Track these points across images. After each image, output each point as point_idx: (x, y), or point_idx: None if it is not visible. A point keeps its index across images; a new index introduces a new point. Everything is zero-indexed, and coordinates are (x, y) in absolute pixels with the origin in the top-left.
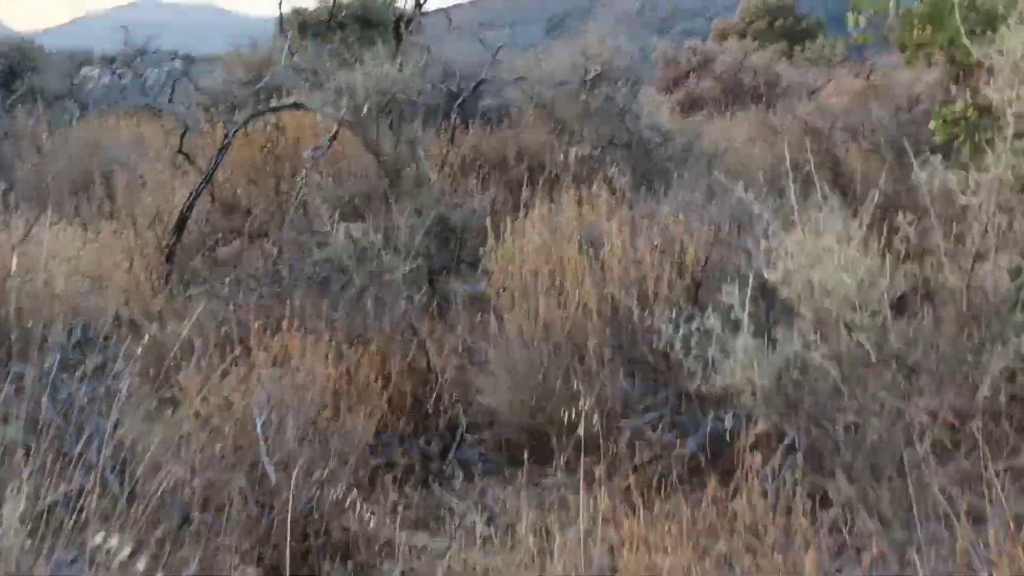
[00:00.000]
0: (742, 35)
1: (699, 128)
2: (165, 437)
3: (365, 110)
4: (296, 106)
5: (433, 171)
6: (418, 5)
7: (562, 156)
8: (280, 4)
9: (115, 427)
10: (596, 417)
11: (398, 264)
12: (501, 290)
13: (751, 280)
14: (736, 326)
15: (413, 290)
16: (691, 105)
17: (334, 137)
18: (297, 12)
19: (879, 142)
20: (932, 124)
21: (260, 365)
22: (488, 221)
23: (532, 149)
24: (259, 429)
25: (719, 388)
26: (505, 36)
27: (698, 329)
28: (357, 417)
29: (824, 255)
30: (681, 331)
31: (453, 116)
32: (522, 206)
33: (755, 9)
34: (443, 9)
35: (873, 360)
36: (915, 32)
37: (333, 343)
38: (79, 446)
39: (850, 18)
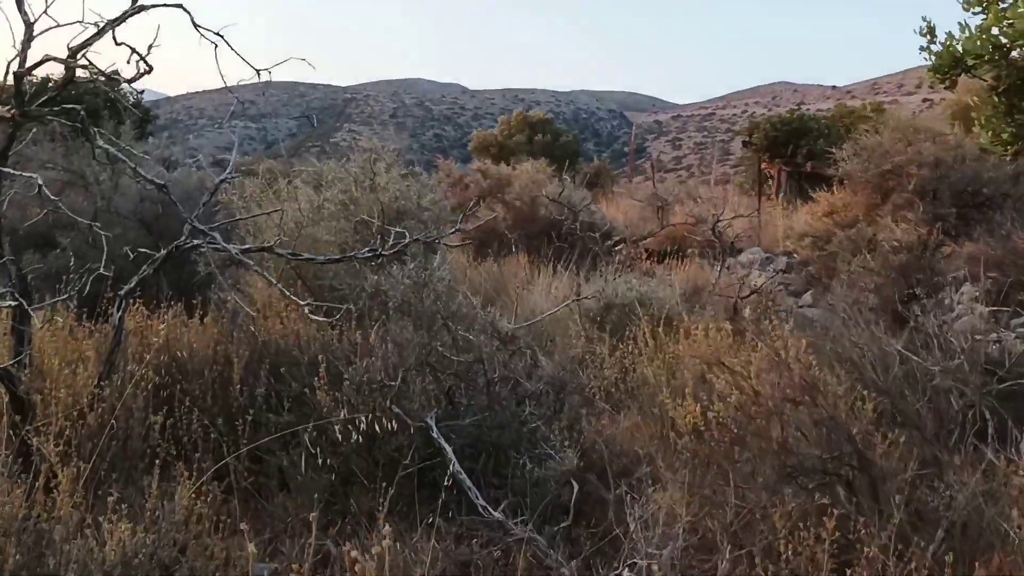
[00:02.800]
0: (501, 147)
1: (523, 299)
2: None
3: None
4: None
5: None
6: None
7: (338, 429)
8: None
9: None
10: None
11: None
12: None
13: None
14: None
15: None
16: (482, 241)
17: None
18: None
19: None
20: None
21: None
22: None
23: (285, 359)
24: None
25: None
26: (230, 168)
27: None
28: None
29: None
30: None
31: (118, 305)
32: None
33: (515, 123)
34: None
35: None
36: None
37: None
38: None
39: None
